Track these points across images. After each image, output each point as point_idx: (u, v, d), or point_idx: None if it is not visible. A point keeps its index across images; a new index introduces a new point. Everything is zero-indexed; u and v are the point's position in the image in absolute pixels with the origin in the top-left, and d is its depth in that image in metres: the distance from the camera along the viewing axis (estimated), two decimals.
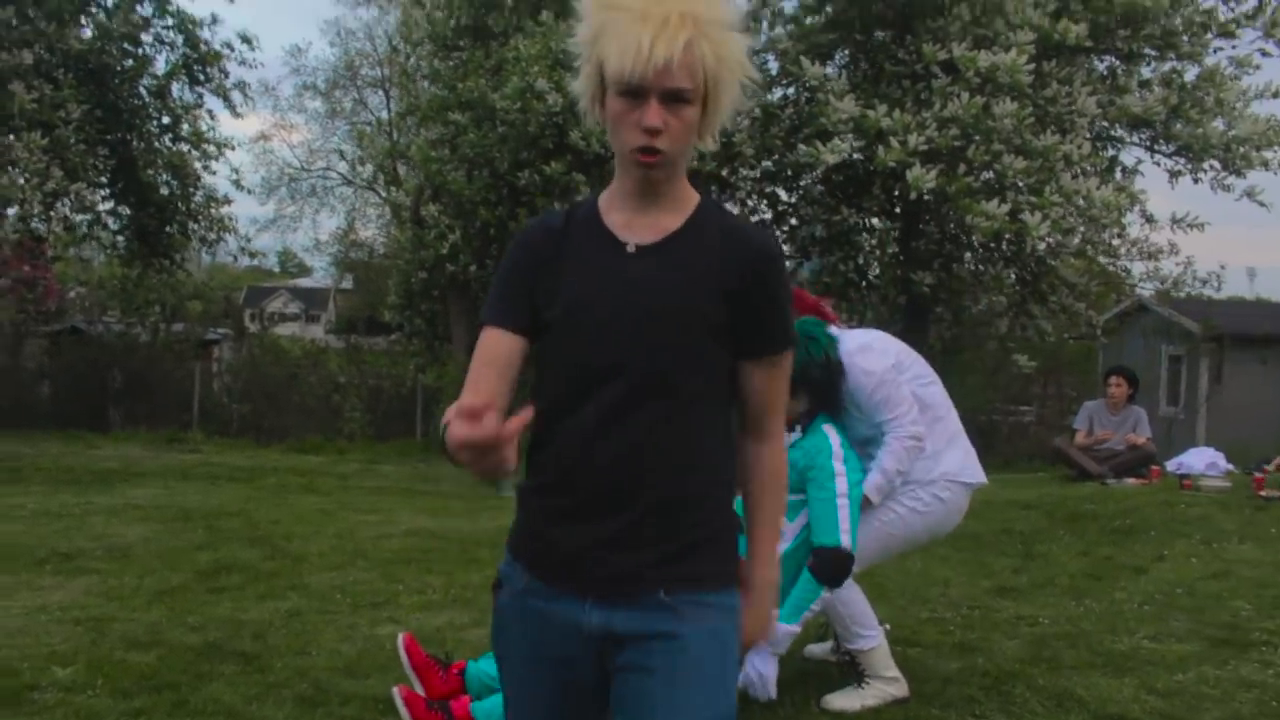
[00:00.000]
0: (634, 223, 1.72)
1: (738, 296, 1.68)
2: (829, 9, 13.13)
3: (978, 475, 3.77)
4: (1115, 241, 14.50)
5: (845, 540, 3.37)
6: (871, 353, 3.61)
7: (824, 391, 3.52)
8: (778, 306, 1.71)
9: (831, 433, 3.50)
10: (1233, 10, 12.77)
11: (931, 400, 3.71)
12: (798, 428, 3.51)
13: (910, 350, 3.84)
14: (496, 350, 1.74)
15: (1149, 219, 14.02)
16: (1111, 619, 4.81)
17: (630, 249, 1.70)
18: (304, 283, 56.77)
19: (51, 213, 13.34)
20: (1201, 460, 9.23)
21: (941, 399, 3.77)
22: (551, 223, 1.79)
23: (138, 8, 14.19)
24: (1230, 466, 9.27)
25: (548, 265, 1.74)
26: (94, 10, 14.20)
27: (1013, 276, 14.35)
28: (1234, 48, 13.06)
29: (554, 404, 1.70)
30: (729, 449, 1.78)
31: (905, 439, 3.52)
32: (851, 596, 3.68)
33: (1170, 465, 9.19)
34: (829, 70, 12.67)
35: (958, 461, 3.72)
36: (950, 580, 5.63)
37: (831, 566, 3.40)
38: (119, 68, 14.07)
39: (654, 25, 1.55)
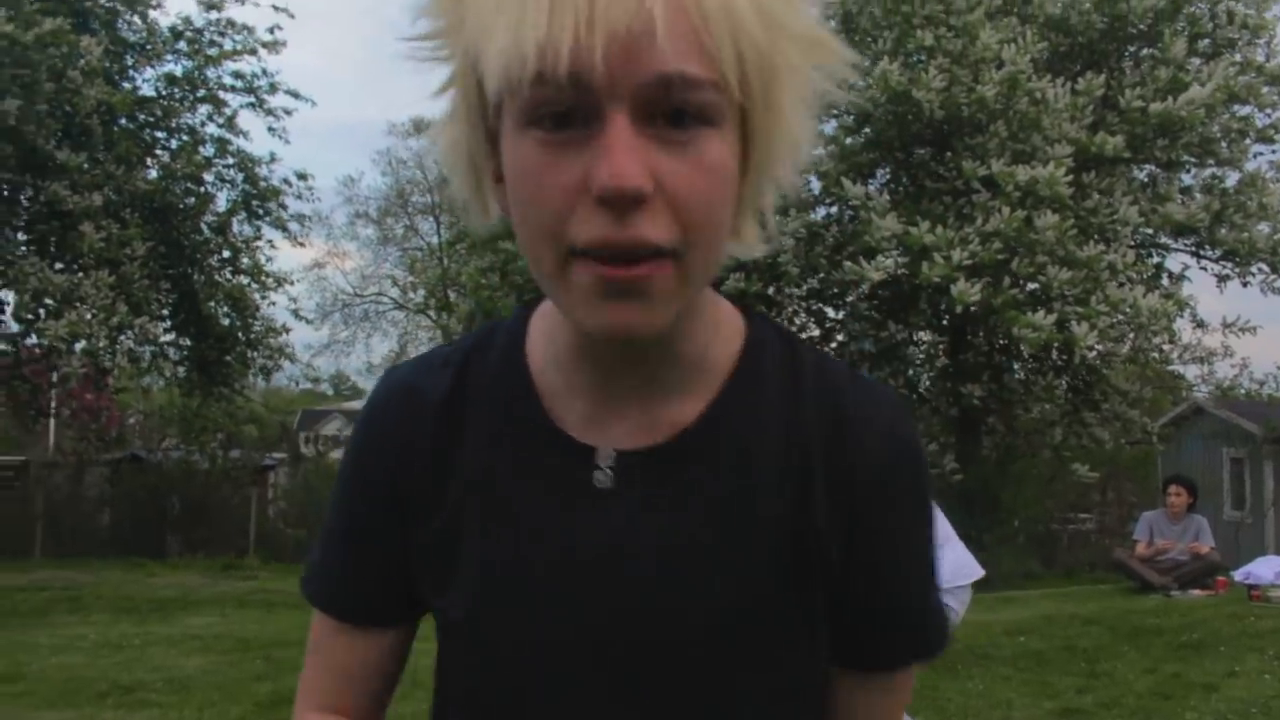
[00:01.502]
0: (609, 411, 0.82)
1: (829, 539, 0.82)
2: (868, 129, 13.42)
3: (976, 571, 3.93)
4: (1167, 347, 14.41)
5: None
6: None
7: None
8: (905, 566, 0.85)
9: None
10: (1269, 116, 12.90)
11: None
12: None
13: None
14: (338, 663, 0.93)
15: (1199, 324, 13.96)
16: None
17: (601, 478, 0.81)
18: (357, 405, 57.49)
19: (116, 345, 13.76)
20: (1270, 569, 9.00)
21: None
22: (425, 394, 0.87)
23: (200, 149, 14.83)
24: None
25: (426, 494, 0.86)
26: (159, 153, 14.87)
27: (1064, 385, 14.26)
28: (1274, 152, 13.20)
29: None
30: None
31: None
32: None
33: (1237, 575, 8.97)
34: (870, 188, 12.89)
35: (953, 565, 3.84)
36: (1013, 701, 5.51)
37: None
38: (182, 205, 14.63)
39: None
